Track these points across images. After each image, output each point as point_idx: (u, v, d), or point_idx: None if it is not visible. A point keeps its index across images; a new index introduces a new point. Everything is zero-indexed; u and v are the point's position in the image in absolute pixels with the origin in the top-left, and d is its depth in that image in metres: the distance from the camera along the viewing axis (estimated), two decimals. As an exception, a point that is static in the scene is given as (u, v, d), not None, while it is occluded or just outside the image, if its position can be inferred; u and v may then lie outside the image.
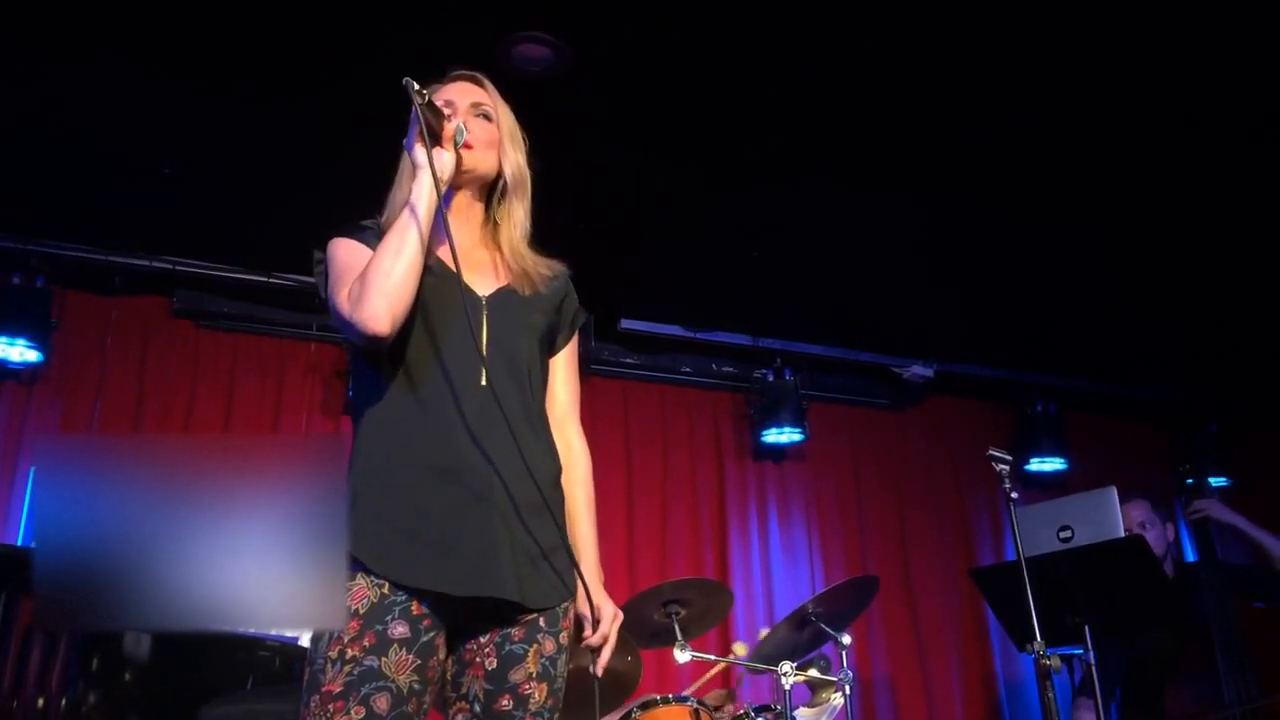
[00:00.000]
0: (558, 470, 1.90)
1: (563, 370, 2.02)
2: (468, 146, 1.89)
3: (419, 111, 1.77)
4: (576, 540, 1.94)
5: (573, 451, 2.01)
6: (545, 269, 1.98)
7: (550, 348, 1.99)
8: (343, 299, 1.75)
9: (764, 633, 3.86)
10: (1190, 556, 5.21)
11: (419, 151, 1.80)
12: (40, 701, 2.98)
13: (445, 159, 1.82)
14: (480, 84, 1.99)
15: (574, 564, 1.86)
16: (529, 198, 1.99)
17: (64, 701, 3.00)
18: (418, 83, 1.76)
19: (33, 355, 4.34)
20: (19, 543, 4.08)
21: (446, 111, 1.84)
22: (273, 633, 3.68)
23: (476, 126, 1.92)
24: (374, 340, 1.73)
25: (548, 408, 1.97)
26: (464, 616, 1.77)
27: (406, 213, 1.77)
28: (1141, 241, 4.45)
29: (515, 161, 1.97)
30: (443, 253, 1.87)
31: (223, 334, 4.80)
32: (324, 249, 1.89)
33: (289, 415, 4.78)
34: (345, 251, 1.84)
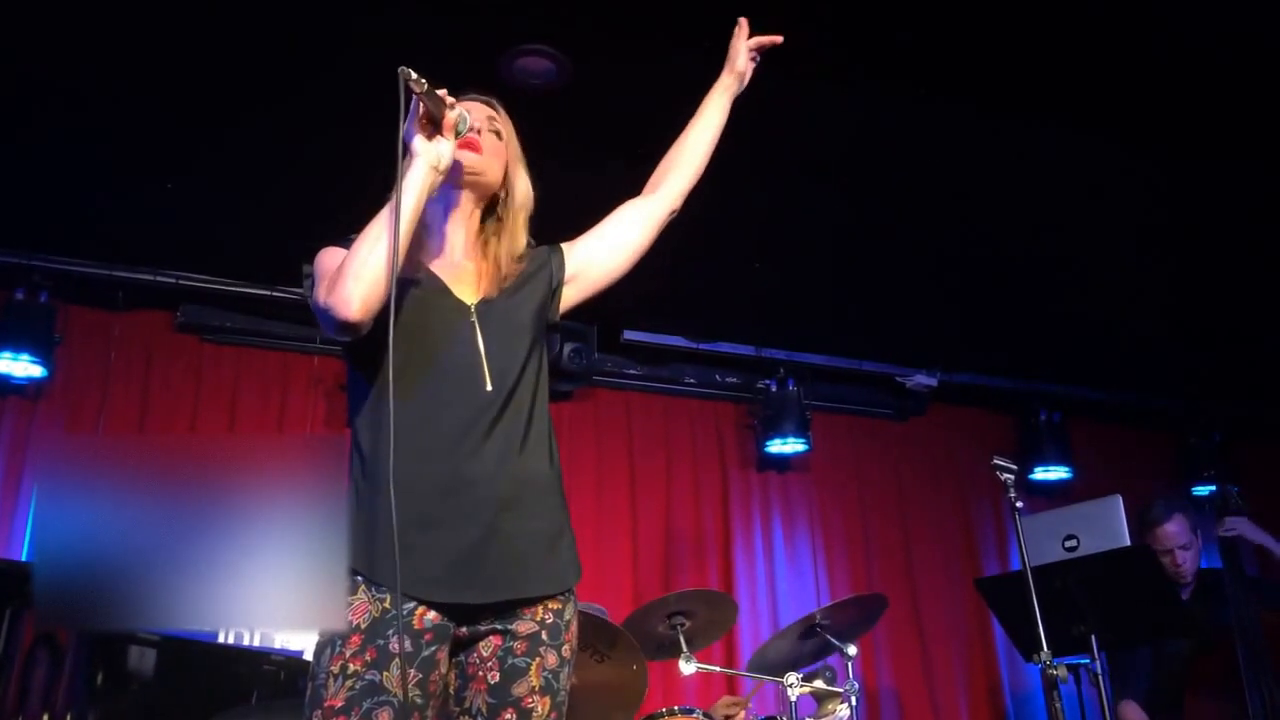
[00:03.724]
0: (553, 475, 1.89)
1: (602, 225, 2.09)
2: (474, 147, 1.90)
3: (419, 100, 1.74)
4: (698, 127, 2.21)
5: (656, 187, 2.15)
6: (522, 263, 1.97)
7: (550, 313, 1.98)
8: (320, 291, 1.76)
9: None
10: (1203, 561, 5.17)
11: (417, 140, 1.78)
12: (45, 717, 2.98)
13: (444, 148, 1.80)
14: (493, 106, 2.02)
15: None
16: (527, 221, 2.00)
17: (68, 717, 2.99)
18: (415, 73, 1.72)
19: (36, 370, 4.35)
20: (24, 558, 4.08)
21: (449, 100, 1.81)
22: (277, 644, 3.67)
23: (488, 138, 1.94)
24: (345, 327, 1.71)
25: (638, 221, 2.09)
26: (468, 621, 1.77)
27: (392, 201, 1.74)
28: (1143, 250, 4.45)
29: (523, 182, 2.00)
30: (431, 264, 1.89)
31: (226, 348, 4.81)
32: (313, 262, 1.88)
33: (292, 428, 4.78)
34: (330, 257, 1.82)
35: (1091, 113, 3.59)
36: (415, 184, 1.77)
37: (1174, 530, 3.78)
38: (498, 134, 1.97)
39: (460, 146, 1.86)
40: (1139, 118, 3.61)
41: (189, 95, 3.47)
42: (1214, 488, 4.12)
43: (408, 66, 1.71)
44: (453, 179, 1.90)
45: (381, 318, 1.72)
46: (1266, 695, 3.42)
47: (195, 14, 3.13)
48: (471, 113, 1.92)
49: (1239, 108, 3.55)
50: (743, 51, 2.23)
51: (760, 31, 2.25)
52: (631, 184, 2.23)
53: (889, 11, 3.16)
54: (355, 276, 1.70)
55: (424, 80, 1.74)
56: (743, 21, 2.23)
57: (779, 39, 2.24)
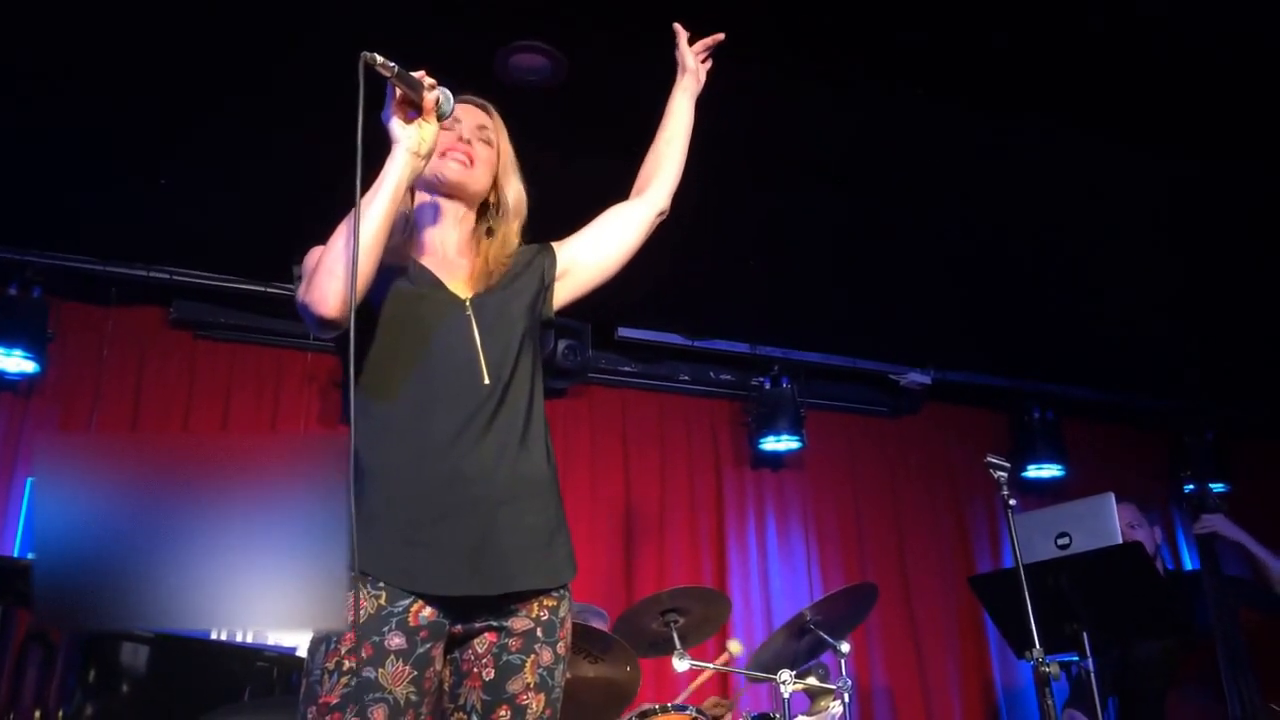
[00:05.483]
0: (549, 473, 1.89)
1: (592, 225, 2.09)
2: (468, 159, 1.91)
3: (393, 84, 1.71)
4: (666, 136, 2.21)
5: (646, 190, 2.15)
6: (513, 260, 1.97)
7: (543, 309, 1.99)
8: (301, 289, 1.75)
9: (734, 644, 3.87)
10: (1185, 564, 5.19)
11: (395, 124, 1.74)
12: (37, 714, 2.97)
13: (427, 131, 1.76)
14: (488, 112, 2.01)
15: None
16: (522, 223, 2.00)
17: (61, 713, 2.99)
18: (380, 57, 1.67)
19: (29, 366, 4.33)
20: (16, 554, 4.06)
21: (428, 81, 1.76)
22: (270, 642, 3.66)
23: (480, 148, 1.95)
24: (323, 324, 1.70)
25: (628, 222, 2.10)
26: (463, 618, 1.77)
27: (370, 193, 1.72)
28: (1139, 249, 4.46)
29: (516, 188, 2.00)
30: (423, 259, 1.90)
31: (220, 344, 4.80)
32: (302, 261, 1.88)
33: (286, 425, 4.77)
34: (316, 255, 1.81)
35: (1090, 112, 3.59)
36: (396, 170, 1.74)
37: (1119, 515, 3.85)
38: (488, 142, 1.98)
39: (448, 153, 1.87)
40: (1138, 117, 3.61)
41: (184, 91, 3.46)
42: (1193, 486, 4.14)
43: (373, 52, 1.66)
44: (441, 189, 1.92)
45: (360, 312, 1.69)
46: (1246, 695, 3.43)
47: (193, 8, 3.12)
48: (464, 119, 1.93)
49: (1239, 108, 3.56)
50: (688, 54, 2.26)
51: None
52: (628, 180, 2.23)
53: (888, 12, 3.16)
54: (330, 273, 1.69)
55: (393, 64, 1.68)
56: (678, 27, 2.28)
57: (720, 36, 2.28)
